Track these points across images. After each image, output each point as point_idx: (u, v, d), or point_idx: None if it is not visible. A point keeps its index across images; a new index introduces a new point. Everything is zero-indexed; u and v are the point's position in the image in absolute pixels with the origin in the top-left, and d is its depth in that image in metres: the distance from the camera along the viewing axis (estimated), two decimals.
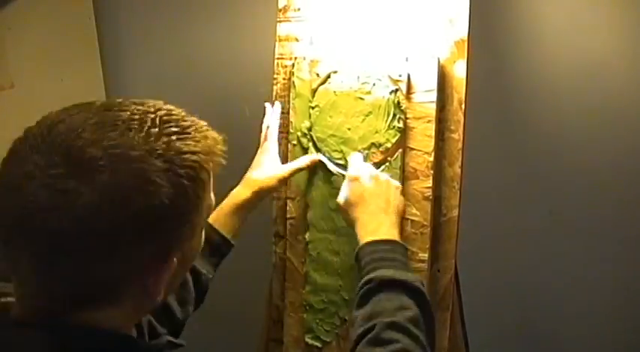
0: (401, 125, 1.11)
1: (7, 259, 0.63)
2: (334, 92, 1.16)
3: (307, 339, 1.22)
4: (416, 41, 1.13)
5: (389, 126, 1.12)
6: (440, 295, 1.14)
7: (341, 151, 1.15)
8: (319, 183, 1.17)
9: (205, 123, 0.72)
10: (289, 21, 1.22)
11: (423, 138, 1.11)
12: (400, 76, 1.11)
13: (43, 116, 0.69)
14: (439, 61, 1.10)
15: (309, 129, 1.18)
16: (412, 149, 1.12)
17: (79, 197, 0.59)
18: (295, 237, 1.22)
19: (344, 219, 1.07)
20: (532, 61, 1.34)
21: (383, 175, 1.07)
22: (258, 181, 1.14)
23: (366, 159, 1.13)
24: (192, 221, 0.66)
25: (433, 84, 1.10)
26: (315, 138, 1.17)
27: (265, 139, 1.19)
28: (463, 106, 1.10)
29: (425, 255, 1.12)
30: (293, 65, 1.19)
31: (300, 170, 1.16)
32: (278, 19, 1.23)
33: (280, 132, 1.22)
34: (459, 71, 1.10)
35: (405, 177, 1.13)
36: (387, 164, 1.12)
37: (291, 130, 1.20)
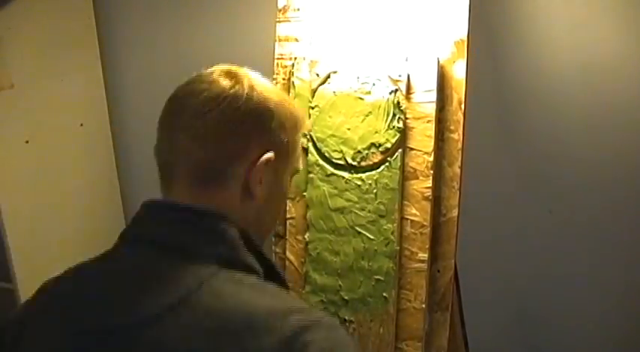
0: (400, 125, 1.11)
1: (162, 140, 0.81)
2: (334, 92, 1.16)
3: None
4: (415, 41, 1.13)
5: (389, 126, 1.12)
6: (440, 295, 1.14)
7: (340, 151, 1.16)
8: (319, 183, 1.17)
9: None
10: (289, 21, 1.23)
11: (423, 138, 1.11)
12: (400, 76, 1.11)
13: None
14: (439, 62, 1.10)
15: (309, 130, 1.18)
16: (412, 149, 1.12)
17: (223, 82, 0.80)
18: (295, 237, 1.22)
19: None
20: (532, 61, 1.33)
21: None
22: None
23: (365, 158, 1.13)
24: (287, 139, 0.83)
25: (433, 84, 1.10)
26: (314, 138, 1.17)
27: None
28: (463, 106, 1.10)
29: (424, 255, 1.13)
30: (293, 65, 1.19)
31: None
32: (277, 20, 1.23)
33: None
34: (458, 71, 1.10)
35: (404, 177, 1.13)
36: (387, 164, 1.12)
37: None
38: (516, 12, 1.33)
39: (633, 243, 1.39)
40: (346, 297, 1.18)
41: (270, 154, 0.80)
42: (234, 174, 0.79)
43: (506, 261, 1.48)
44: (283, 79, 1.23)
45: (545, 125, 1.37)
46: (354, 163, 1.15)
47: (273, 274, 0.80)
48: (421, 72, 1.11)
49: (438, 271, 1.15)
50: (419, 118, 1.11)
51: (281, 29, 1.23)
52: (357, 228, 1.16)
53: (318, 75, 1.17)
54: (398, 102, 1.11)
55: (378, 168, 1.13)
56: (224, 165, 0.79)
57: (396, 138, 1.11)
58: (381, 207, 1.13)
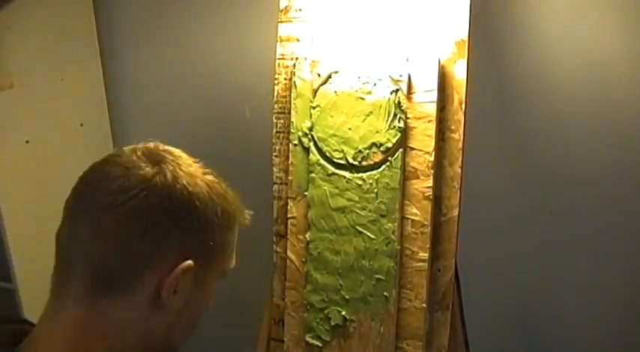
0: (401, 125, 1.12)
1: (63, 229, 0.71)
2: (335, 92, 1.16)
3: (308, 338, 1.22)
4: (416, 41, 1.13)
5: (389, 126, 1.12)
6: (440, 294, 1.15)
7: (342, 151, 1.16)
8: (320, 182, 1.18)
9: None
10: (290, 21, 1.23)
11: (424, 137, 1.12)
12: (401, 76, 1.12)
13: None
14: (439, 62, 1.11)
15: (310, 129, 1.18)
16: (413, 149, 1.13)
17: (141, 170, 0.69)
18: (296, 236, 1.22)
19: None
20: (532, 61, 1.34)
21: None
22: None
23: (366, 158, 1.14)
24: (214, 240, 0.73)
25: (434, 84, 1.10)
26: (316, 138, 1.18)
27: None
28: (463, 106, 1.11)
29: (425, 255, 1.13)
30: (294, 65, 1.20)
31: None
32: (279, 20, 1.23)
33: (281, 132, 1.23)
34: (459, 71, 1.11)
35: (405, 176, 1.13)
36: (388, 164, 1.13)
37: (292, 130, 1.20)
38: (517, 12, 1.33)
39: (633, 243, 1.40)
40: (347, 296, 1.18)
41: (188, 262, 0.69)
42: (141, 282, 0.68)
43: (506, 260, 1.48)
44: (285, 79, 1.23)
45: (546, 125, 1.37)
46: (355, 163, 1.15)
47: None
48: (422, 72, 1.11)
49: (439, 270, 1.15)
50: (420, 118, 1.12)
51: (282, 29, 1.23)
52: (358, 228, 1.16)
53: (319, 75, 1.18)
54: (399, 102, 1.12)
55: (379, 167, 1.14)
56: (130, 271, 0.68)
57: (397, 137, 1.12)
58: (382, 206, 1.14)
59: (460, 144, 1.11)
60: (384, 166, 1.13)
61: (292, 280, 1.23)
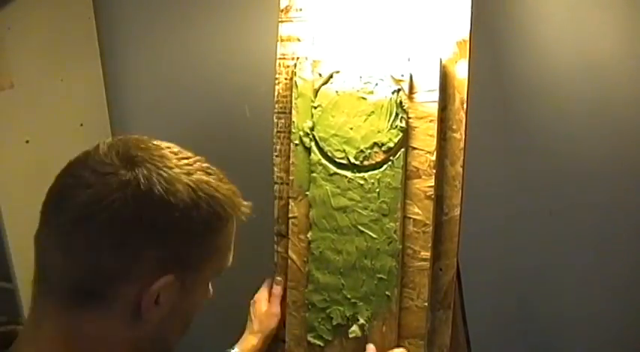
0: (403, 124, 1.12)
1: (40, 234, 0.67)
2: (336, 92, 1.16)
3: (309, 338, 1.22)
4: (418, 41, 1.14)
5: (391, 125, 1.12)
6: (442, 293, 1.15)
7: (343, 151, 1.16)
8: (321, 182, 1.18)
9: (236, 189, 0.75)
10: (291, 21, 1.23)
11: (425, 137, 1.12)
12: (402, 75, 1.12)
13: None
14: (441, 61, 1.11)
15: (312, 129, 1.18)
16: (414, 148, 1.13)
17: (113, 177, 0.64)
18: (297, 236, 1.22)
19: None
20: (533, 60, 1.34)
21: None
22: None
23: (368, 158, 1.14)
24: (200, 247, 0.68)
25: (435, 84, 1.10)
26: (317, 138, 1.18)
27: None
28: (465, 106, 1.11)
29: (427, 254, 1.13)
30: (295, 65, 1.20)
31: None
32: (280, 20, 1.23)
33: (282, 132, 1.23)
34: (460, 71, 1.11)
35: (407, 176, 1.13)
36: (390, 163, 1.13)
37: (293, 130, 1.20)
38: (518, 12, 1.34)
39: (633, 243, 1.40)
40: (349, 296, 1.18)
41: (168, 278, 0.65)
42: (118, 297, 0.65)
43: (507, 259, 1.49)
44: (285, 79, 1.23)
45: (547, 124, 1.38)
46: (357, 162, 1.15)
47: None
48: (423, 72, 1.11)
49: (441, 269, 1.15)
50: (421, 118, 1.12)
51: (283, 29, 1.23)
52: (360, 227, 1.16)
53: (320, 75, 1.18)
54: (400, 102, 1.12)
55: (380, 167, 1.14)
56: (105, 285, 0.65)
57: (399, 137, 1.12)
58: (384, 205, 1.14)
59: (461, 144, 1.12)
60: (385, 166, 1.13)
61: (293, 280, 1.24)
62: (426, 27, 1.13)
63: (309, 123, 1.18)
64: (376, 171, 1.14)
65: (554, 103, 1.36)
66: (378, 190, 1.14)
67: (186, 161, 0.69)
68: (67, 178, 0.67)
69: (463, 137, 1.11)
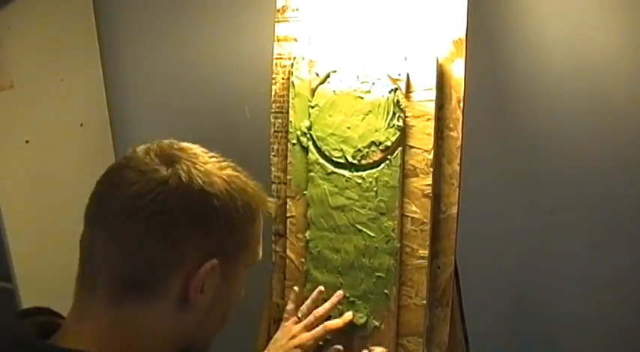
0: (400, 123, 1.12)
1: (85, 235, 0.72)
2: (334, 91, 1.17)
3: None
4: (414, 40, 1.14)
5: (388, 124, 1.13)
6: (440, 291, 1.15)
7: (341, 150, 1.16)
8: (319, 181, 1.18)
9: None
10: (287, 21, 1.23)
11: (423, 136, 1.12)
12: (399, 75, 1.12)
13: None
14: (438, 60, 1.11)
15: (309, 129, 1.18)
16: (412, 147, 1.13)
17: (156, 173, 0.69)
18: (295, 235, 1.23)
19: None
20: (530, 59, 1.34)
21: None
22: None
23: (365, 157, 1.14)
24: (236, 236, 0.73)
25: (432, 82, 1.11)
26: (314, 137, 1.18)
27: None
28: (462, 105, 1.11)
29: (425, 252, 1.14)
30: (292, 65, 1.20)
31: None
32: (276, 20, 1.24)
33: (279, 131, 1.23)
34: (457, 70, 1.11)
35: (404, 174, 1.14)
36: (387, 162, 1.13)
37: (290, 130, 1.21)
38: (514, 11, 1.34)
39: (633, 242, 1.41)
40: (347, 294, 1.18)
41: (212, 262, 0.69)
42: (167, 286, 0.69)
43: (505, 257, 1.49)
44: (282, 79, 1.23)
45: (545, 123, 1.38)
46: (355, 161, 1.16)
47: None
48: (420, 71, 1.12)
49: (439, 268, 1.15)
50: (418, 117, 1.12)
51: (280, 29, 1.24)
52: (358, 226, 1.17)
53: (317, 74, 1.18)
54: (397, 101, 1.12)
55: (378, 166, 1.14)
56: (154, 277, 0.68)
57: (396, 136, 1.12)
58: (382, 204, 1.14)
59: (459, 143, 1.12)
60: (383, 165, 1.14)
61: (292, 279, 1.24)
62: (422, 26, 1.13)
63: (307, 123, 1.18)
64: (374, 170, 1.15)
65: (551, 102, 1.36)
66: (375, 189, 1.15)
67: (216, 159, 0.75)
68: (109, 180, 0.71)
69: (460, 135, 1.12)
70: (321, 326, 1.13)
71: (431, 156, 1.11)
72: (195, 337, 0.74)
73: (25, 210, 1.49)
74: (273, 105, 1.24)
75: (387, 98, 1.13)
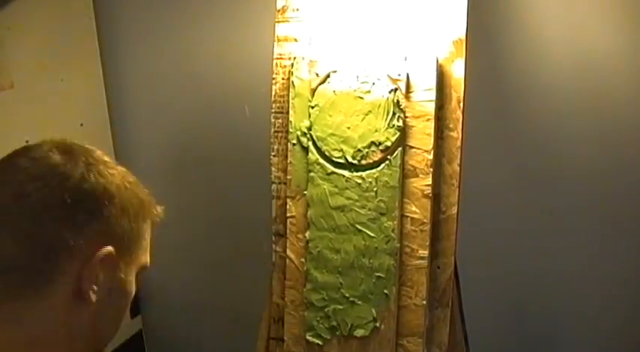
0: (400, 124, 1.12)
1: None
2: (334, 91, 1.17)
3: (308, 337, 1.22)
4: (414, 41, 1.14)
5: (388, 124, 1.13)
6: (440, 292, 1.15)
7: (341, 150, 1.16)
8: (319, 181, 1.18)
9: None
10: (288, 21, 1.23)
11: (423, 136, 1.12)
12: (399, 75, 1.12)
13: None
14: (437, 61, 1.11)
15: (309, 129, 1.18)
16: (412, 147, 1.13)
17: (51, 159, 0.67)
18: (295, 235, 1.23)
19: None
20: (530, 59, 1.34)
21: None
22: None
23: (365, 157, 1.14)
24: (130, 229, 0.71)
25: (432, 83, 1.11)
26: (314, 137, 1.18)
27: None
28: (461, 105, 1.11)
29: (425, 252, 1.14)
30: (292, 65, 1.20)
31: None
32: (277, 20, 1.24)
33: (280, 131, 1.23)
34: (457, 70, 1.11)
35: (404, 175, 1.14)
36: (387, 162, 1.13)
37: (290, 130, 1.21)
38: (514, 11, 1.34)
39: (633, 242, 1.41)
40: (347, 295, 1.19)
41: (108, 248, 0.67)
42: (60, 277, 0.65)
43: (505, 257, 1.49)
44: (283, 79, 1.23)
45: (545, 123, 1.38)
46: (355, 162, 1.16)
47: None
48: (420, 71, 1.12)
49: (438, 268, 1.16)
50: (418, 117, 1.12)
51: (280, 29, 1.24)
52: (358, 226, 1.17)
53: (317, 74, 1.18)
54: (397, 101, 1.12)
55: (378, 166, 1.14)
56: (46, 265, 0.64)
57: (396, 136, 1.12)
58: (382, 204, 1.14)
59: (458, 143, 1.12)
60: (383, 165, 1.14)
61: (292, 279, 1.24)
62: (422, 26, 1.13)
63: (307, 123, 1.18)
64: (374, 170, 1.15)
65: (551, 102, 1.36)
66: (375, 189, 1.15)
67: (112, 162, 0.74)
68: (2, 164, 0.69)
69: (460, 136, 1.12)
70: None
71: (431, 157, 1.12)
72: (90, 339, 0.70)
73: None
74: (274, 106, 1.24)
75: (387, 98, 1.13)
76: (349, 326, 1.19)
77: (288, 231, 1.23)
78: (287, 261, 1.24)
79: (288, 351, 1.25)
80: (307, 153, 1.19)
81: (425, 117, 1.12)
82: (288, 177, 1.22)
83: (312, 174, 1.19)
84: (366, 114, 1.14)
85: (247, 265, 1.50)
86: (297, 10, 1.22)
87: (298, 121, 1.20)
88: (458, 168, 1.12)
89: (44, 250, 0.65)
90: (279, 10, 1.24)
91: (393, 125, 1.13)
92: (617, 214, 1.40)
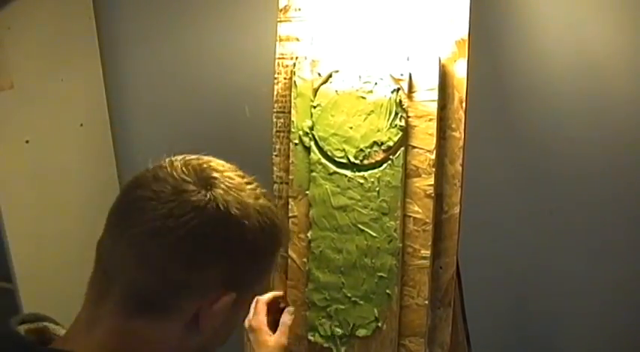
0: (403, 124, 1.12)
1: (105, 240, 0.69)
2: (336, 91, 1.17)
3: (310, 337, 1.22)
4: (417, 40, 1.14)
5: (391, 124, 1.13)
6: (442, 291, 1.15)
7: (343, 150, 1.16)
8: (321, 181, 1.18)
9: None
10: (290, 21, 1.23)
11: (425, 136, 1.12)
12: (402, 75, 1.12)
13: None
14: (440, 60, 1.11)
15: (311, 128, 1.18)
16: (414, 147, 1.13)
17: (193, 196, 0.66)
18: (297, 235, 1.22)
19: None
20: (532, 60, 1.35)
21: None
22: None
23: (368, 157, 1.14)
24: (259, 269, 0.72)
25: (434, 83, 1.11)
26: (317, 137, 1.18)
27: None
28: (464, 105, 1.11)
29: (427, 252, 1.14)
30: (294, 65, 1.20)
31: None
32: (279, 19, 1.24)
33: (282, 131, 1.23)
34: (459, 70, 1.11)
35: (407, 174, 1.14)
36: (389, 162, 1.13)
37: (292, 129, 1.21)
38: (516, 11, 1.34)
39: (632, 242, 1.41)
40: (349, 295, 1.18)
41: (232, 296, 0.68)
42: (180, 310, 0.67)
43: (507, 257, 1.49)
44: (284, 79, 1.23)
45: (546, 123, 1.38)
46: (357, 162, 1.16)
47: None
48: (423, 71, 1.12)
49: (441, 268, 1.16)
50: (421, 117, 1.12)
51: (282, 29, 1.24)
52: (360, 226, 1.17)
53: (319, 74, 1.18)
54: (400, 101, 1.12)
55: (380, 166, 1.14)
56: (170, 298, 0.67)
57: (399, 136, 1.12)
58: (384, 204, 1.14)
59: (461, 143, 1.12)
60: (385, 165, 1.14)
61: (294, 279, 1.24)
62: (425, 26, 1.13)
63: (309, 123, 1.18)
64: (376, 170, 1.15)
65: (553, 102, 1.36)
66: (377, 189, 1.15)
67: (250, 186, 0.71)
68: (142, 190, 0.67)
69: (462, 136, 1.12)
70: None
71: (433, 157, 1.12)
72: None
73: (25, 210, 1.49)
74: (276, 105, 1.24)
75: (390, 98, 1.13)
76: (351, 326, 1.19)
77: (290, 231, 1.23)
78: (289, 260, 1.24)
79: (289, 351, 1.25)
80: (309, 153, 1.19)
81: (427, 117, 1.12)
82: (290, 177, 1.22)
83: (314, 174, 1.19)
84: (369, 114, 1.14)
85: None
86: (299, 9, 1.22)
87: (300, 121, 1.19)
88: (460, 168, 1.13)
89: (168, 290, 0.66)
90: (281, 10, 1.24)
91: (396, 125, 1.13)
92: (617, 214, 1.41)
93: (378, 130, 1.14)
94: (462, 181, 1.12)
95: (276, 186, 1.25)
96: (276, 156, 1.25)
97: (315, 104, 1.18)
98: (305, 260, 1.22)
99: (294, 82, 1.20)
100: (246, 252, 0.68)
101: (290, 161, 1.22)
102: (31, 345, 0.69)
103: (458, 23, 1.11)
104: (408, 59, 1.13)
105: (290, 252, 1.24)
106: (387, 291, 1.16)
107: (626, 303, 1.46)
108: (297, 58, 1.21)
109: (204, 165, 0.70)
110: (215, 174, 0.69)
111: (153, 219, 0.65)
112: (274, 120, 1.24)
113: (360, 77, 1.15)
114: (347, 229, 1.17)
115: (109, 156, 1.70)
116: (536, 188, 1.43)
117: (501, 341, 1.53)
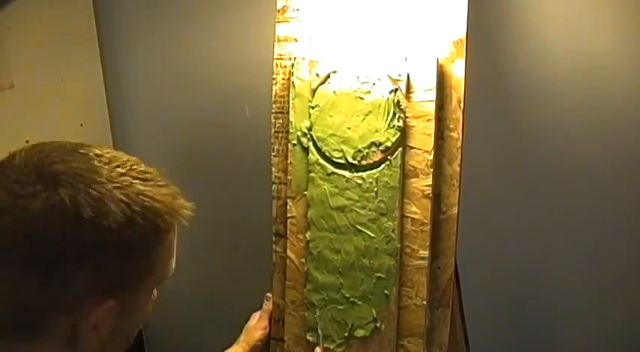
0: (401, 124, 1.12)
1: None
2: (334, 92, 1.17)
3: (308, 337, 1.23)
4: (415, 41, 1.14)
5: (389, 125, 1.13)
6: (440, 292, 1.15)
7: (341, 150, 1.16)
8: (319, 181, 1.18)
9: (177, 190, 0.69)
10: (288, 21, 1.23)
11: (423, 136, 1.12)
12: (399, 75, 1.12)
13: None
14: (438, 61, 1.11)
15: (309, 129, 1.18)
16: (412, 148, 1.13)
17: (34, 201, 0.57)
18: (296, 235, 1.23)
19: None
20: (530, 60, 1.34)
21: None
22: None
23: (366, 157, 1.14)
24: (138, 265, 0.63)
25: (432, 83, 1.11)
26: (315, 138, 1.18)
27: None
28: (462, 105, 1.11)
29: (425, 253, 1.14)
30: (292, 65, 1.20)
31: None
32: (277, 20, 1.24)
33: (280, 132, 1.23)
34: (457, 70, 1.11)
35: (405, 175, 1.14)
36: (387, 163, 1.13)
37: (290, 130, 1.21)
38: (515, 11, 1.34)
39: (632, 242, 1.41)
40: (347, 295, 1.19)
41: (108, 305, 0.60)
42: (53, 327, 0.60)
43: (506, 257, 1.49)
44: (283, 79, 1.23)
45: (545, 123, 1.38)
46: (355, 162, 1.16)
47: None
48: (420, 71, 1.12)
49: (439, 268, 1.16)
50: (419, 117, 1.12)
51: (280, 29, 1.24)
52: (358, 227, 1.17)
53: (317, 75, 1.18)
54: (398, 102, 1.12)
55: (378, 166, 1.14)
56: (36, 319, 0.59)
57: (397, 136, 1.12)
58: (382, 205, 1.14)
59: (459, 143, 1.12)
60: (383, 165, 1.14)
61: (292, 279, 1.24)
62: (422, 26, 1.13)
63: (307, 123, 1.18)
64: (374, 171, 1.15)
65: (552, 102, 1.36)
66: (376, 189, 1.15)
67: (119, 170, 0.63)
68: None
69: (460, 136, 1.12)
70: None
71: (431, 157, 1.12)
72: None
73: None
74: (274, 106, 1.24)
75: (388, 98, 1.13)
76: (350, 326, 1.19)
77: (288, 232, 1.23)
78: (287, 261, 1.24)
79: (288, 351, 1.25)
80: (307, 154, 1.19)
81: (425, 117, 1.12)
82: (289, 177, 1.22)
83: (312, 174, 1.19)
84: (367, 115, 1.14)
85: (247, 265, 1.50)
86: (298, 10, 1.22)
87: (298, 122, 1.20)
88: (458, 169, 1.12)
89: (31, 310, 0.59)
90: (279, 10, 1.24)
91: (394, 125, 1.13)
92: (617, 214, 1.40)
93: (376, 131, 1.14)
94: (460, 181, 1.12)
95: (274, 186, 1.25)
96: (274, 156, 1.25)
97: (313, 105, 1.18)
98: (303, 260, 1.22)
99: (292, 82, 1.20)
100: (112, 253, 0.60)
101: (288, 161, 1.22)
102: None
103: (455, 23, 1.11)
104: (405, 59, 1.13)
105: (289, 253, 1.24)
106: (386, 292, 1.16)
107: (625, 303, 1.46)
108: (295, 58, 1.21)
109: (52, 157, 0.61)
110: (63, 168, 0.60)
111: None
112: (273, 120, 1.25)
113: (358, 78, 1.15)
114: (345, 230, 1.17)
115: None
116: (535, 188, 1.43)
117: (500, 342, 1.52)
